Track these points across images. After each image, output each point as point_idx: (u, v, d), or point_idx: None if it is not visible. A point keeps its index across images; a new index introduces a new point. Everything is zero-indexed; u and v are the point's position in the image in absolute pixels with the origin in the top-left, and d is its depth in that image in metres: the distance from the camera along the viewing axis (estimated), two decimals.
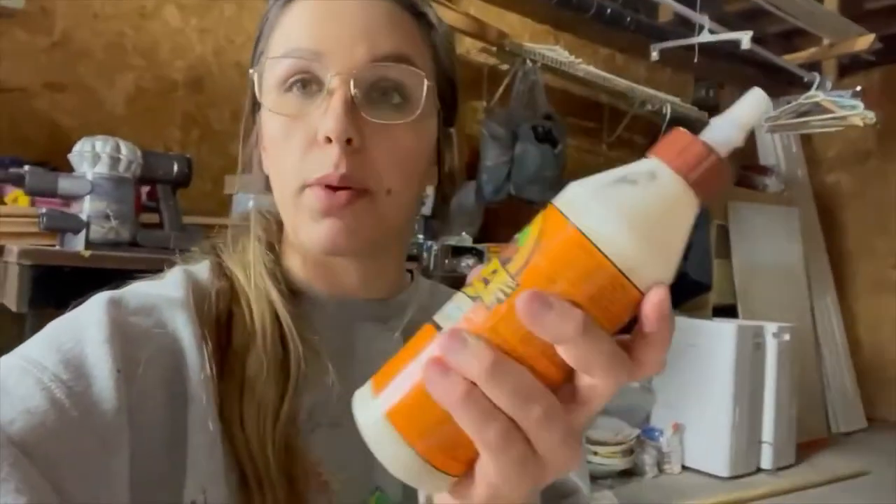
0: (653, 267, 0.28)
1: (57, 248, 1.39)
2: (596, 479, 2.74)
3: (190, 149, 2.33)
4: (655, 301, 0.29)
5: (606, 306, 0.28)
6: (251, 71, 0.51)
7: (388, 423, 0.30)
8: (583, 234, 0.28)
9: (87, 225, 1.38)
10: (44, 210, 1.38)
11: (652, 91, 3.55)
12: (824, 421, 4.01)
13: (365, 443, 0.32)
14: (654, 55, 3.40)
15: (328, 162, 0.46)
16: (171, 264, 0.54)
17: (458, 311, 0.30)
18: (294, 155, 0.47)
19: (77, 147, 1.42)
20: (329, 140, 0.45)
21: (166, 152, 1.81)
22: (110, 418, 0.39)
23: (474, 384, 0.28)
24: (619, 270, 0.28)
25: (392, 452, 0.30)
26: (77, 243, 1.37)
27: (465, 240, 2.60)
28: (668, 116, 3.57)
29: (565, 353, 0.28)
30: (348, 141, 0.46)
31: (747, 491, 2.78)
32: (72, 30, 2.14)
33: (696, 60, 3.23)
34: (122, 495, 0.39)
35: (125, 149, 1.44)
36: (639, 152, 2.96)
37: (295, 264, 0.54)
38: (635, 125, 3.73)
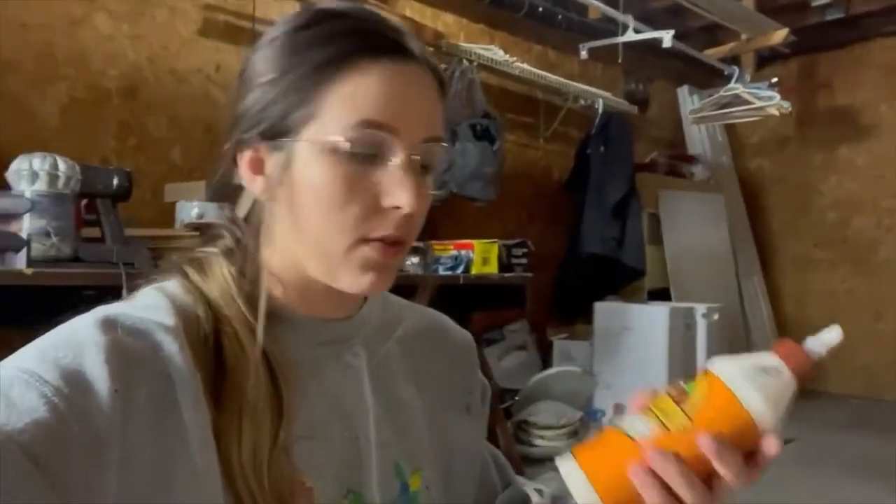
0: (772, 424, 0.48)
1: None
2: (543, 461, 2.87)
3: (126, 158, 2.32)
4: (774, 446, 0.48)
5: (742, 441, 0.48)
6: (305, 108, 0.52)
7: (591, 488, 0.48)
8: (740, 402, 0.48)
9: (28, 243, 1.38)
10: None
11: (584, 86, 3.68)
12: None
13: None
14: (584, 54, 3.53)
15: (390, 225, 0.52)
16: (136, 285, 0.55)
17: (645, 428, 0.49)
18: (356, 216, 0.51)
19: (14, 165, 1.42)
20: (398, 208, 0.51)
21: (105, 166, 1.81)
22: (106, 435, 0.41)
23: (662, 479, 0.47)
24: (757, 425, 0.48)
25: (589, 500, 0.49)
26: (18, 262, 1.37)
27: None
28: (600, 110, 3.71)
29: (720, 468, 0.47)
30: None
31: None
32: None
33: (620, 60, 3.38)
34: None
35: (63, 165, 1.45)
36: (573, 145, 3.07)
37: (273, 287, 0.55)
38: (570, 119, 3.86)
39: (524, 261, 2.62)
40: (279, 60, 0.53)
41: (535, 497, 0.74)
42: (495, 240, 2.52)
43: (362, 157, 0.51)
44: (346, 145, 0.50)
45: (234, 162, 0.56)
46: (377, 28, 0.53)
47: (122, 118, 2.35)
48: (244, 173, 0.55)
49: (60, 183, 1.44)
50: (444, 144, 0.56)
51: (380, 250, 0.52)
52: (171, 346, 0.47)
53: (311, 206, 0.52)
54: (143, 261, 1.56)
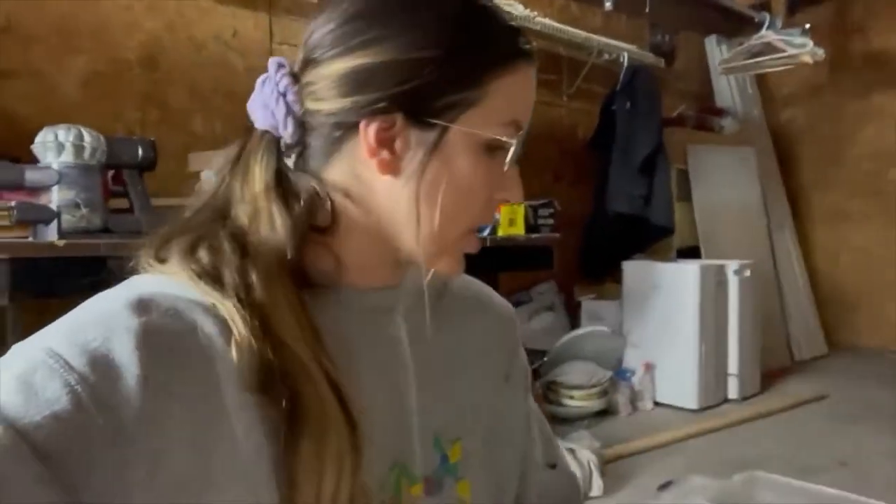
0: None
1: (30, 239, 1.41)
2: (573, 421, 2.88)
3: (149, 129, 2.32)
4: None
5: None
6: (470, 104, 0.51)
7: None
8: None
9: (58, 215, 1.39)
10: (13, 203, 1.39)
11: (608, 40, 3.58)
12: (787, 350, 4.21)
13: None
14: (608, 4, 3.42)
15: (491, 217, 0.56)
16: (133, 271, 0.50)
17: None
18: (479, 204, 0.54)
19: (39, 137, 1.42)
20: (507, 202, 0.56)
21: (129, 136, 1.82)
22: (132, 428, 0.39)
23: None
24: None
25: None
26: (50, 234, 1.39)
27: None
28: (625, 64, 3.61)
29: None
30: None
31: (716, 420, 2.95)
32: (18, 14, 2.09)
33: (647, 9, 3.26)
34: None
35: (88, 136, 1.45)
36: (598, 102, 3.01)
37: (327, 263, 0.53)
38: (594, 75, 3.77)
39: (551, 221, 2.60)
40: (447, 39, 0.50)
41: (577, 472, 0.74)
42: (521, 200, 2.50)
43: (496, 151, 0.53)
44: (505, 142, 0.53)
45: (342, 127, 0.51)
46: (521, 32, 0.55)
47: (143, 89, 2.35)
48: (368, 143, 0.50)
49: (87, 154, 1.44)
50: None
51: (475, 242, 0.56)
52: (212, 328, 0.45)
53: (448, 192, 0.52)
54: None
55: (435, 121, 0.50)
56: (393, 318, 0.57)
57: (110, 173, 1.66)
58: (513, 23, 0.54)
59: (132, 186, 1.58)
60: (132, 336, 0.41)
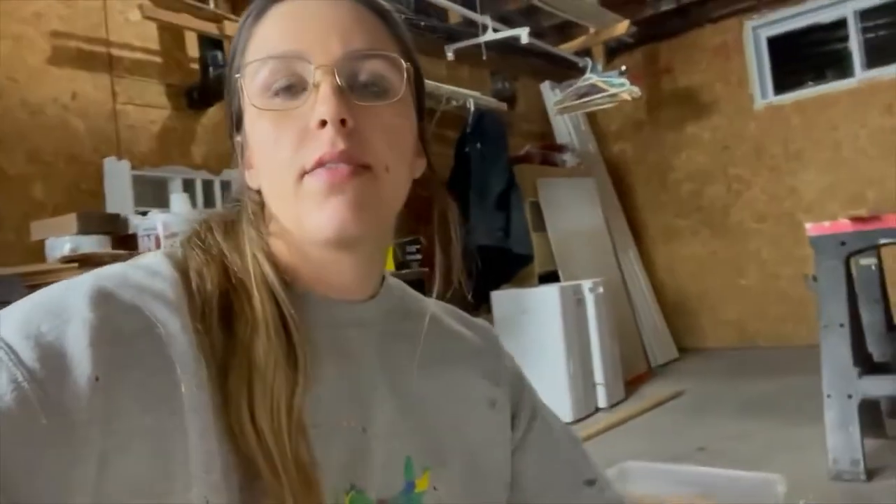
0: None
1: None
2: None
3: None
4: None
5: None
6: (237, 76, 0.52)
7: None
8: None
9: None
10: None
11: (454, 87, 3.79)
12: (644, 357, 4.56)
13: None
14: (450, 55, 3.63)
15: (325, 143, 0.47)
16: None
17: None
18: (288, 148, 0.48)
19: None
20: (324, 124, 0.47)
21: None
22: (80, 428, 0.38)
23: None
24: None
25: None
26: None
27: None
28: (472, 109, 3.84)
29: None
30: (342, 122, 0.47)
31: (589, 429, 3.11)
32: None
33: (484, 57, 3.51)
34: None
35: None
36: (451, 145, 3.16)
37: (285, 260, 0.52)
38: (445, 121, 3.96)
39: (418, 256, 2.68)
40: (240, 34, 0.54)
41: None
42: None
43: (283, 95, 0.49)
44: (261, 83, 0.49)
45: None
46: None
47: None
48: (243, 170, 0.54)
49: None
50: (386, 54, 0.51)
51: (323, 176, 0.47)
52: (173, 324, 0.43)
53: (260, 160, 0.51)
54: (21, 297, 1.44)
55: (240, 120, 0.53)
56: (364, 334, 0.54)
57: None
58: None
59: None
60: (87, 330, 0.40)
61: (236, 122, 0.54)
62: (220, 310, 0.46)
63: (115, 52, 2.49)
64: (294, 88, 0.49)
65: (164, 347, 0.42)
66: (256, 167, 0.53)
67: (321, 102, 0.47)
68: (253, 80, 0.50)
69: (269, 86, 0.49)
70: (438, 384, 0.59)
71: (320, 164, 0.47)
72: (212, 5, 2.71)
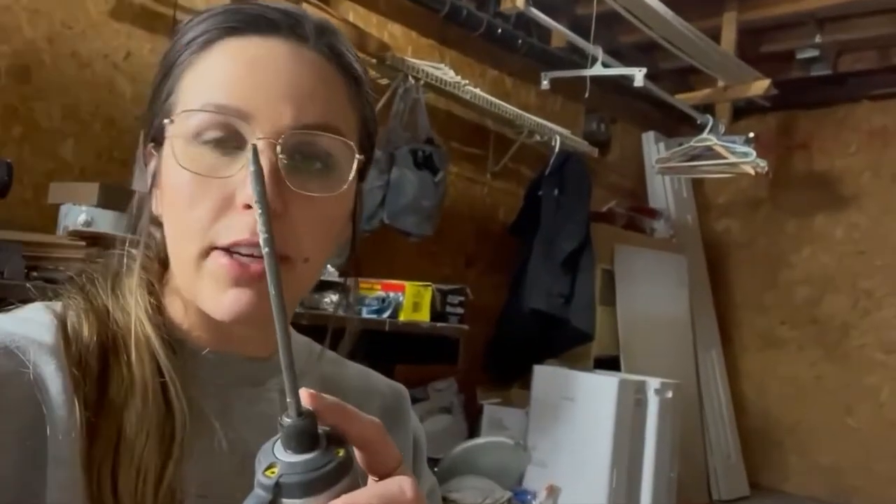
0: None
1: None
2: None
3: (9, 148, 2.42)
4: None
5: None
6: (165, 101, 0.56)
7: None
8: None
9: None
10: None
11: (541, 120, 3.98)
12: (705, 487, 4.58)
13: None
14: (545, 83, 3.86)
15: (245, 228, 0.52)
16: (28, 300, 0.57)
17: None
18: (204, 214, 0.52)
19: None
20: (249, 207, 0.51)
21: None
22: None
23: None
24: None
25: None
26: None
27: (331, 273, 2.81)
28: (557, 148, 4.00)
29: None
30: None
31: None
32: None
33: (587, 94, 3.71)
34: None
35: None
36: (523, 184, 3.37)
37: (177, 311, 0.59)
38: (522, 155, 4.15)
39: (460, 310, 2.76)
40: (163, 55, 0.59)
41: None
42: (429, 283, 2.65)
43: (216, 147, 0.53)
44: (192, 128, 0.53)
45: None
46: (253, 8, 0.56)
47: (8, 102, 2.46)
48: (154, 192, 0.60)
49: None
50: (340, 139, 0.55)
51: (230, 266, 0.52)
52: (46, 367, 0.49)
53: (168, 210, 0.56)
54: (15, 270, 1.63)
55: (158, 139, 0.58)
56: (265, 394, 0.60)
57: None
58: (263, 3, 0.58)
59: None
60: None
61: (153, 138, 0.59)
62: (98, 361, 0.52)
63: (181, 15, 2.80)
64: (227, 143, 0.54)
65: (35, 392, 0.48)
66: (164, 211, 0.58)
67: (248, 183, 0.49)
68: (184, 121, 0.54)
69: (200, 133, 0.54)
70: None
71: (233, 247, 0.53)
72: None
